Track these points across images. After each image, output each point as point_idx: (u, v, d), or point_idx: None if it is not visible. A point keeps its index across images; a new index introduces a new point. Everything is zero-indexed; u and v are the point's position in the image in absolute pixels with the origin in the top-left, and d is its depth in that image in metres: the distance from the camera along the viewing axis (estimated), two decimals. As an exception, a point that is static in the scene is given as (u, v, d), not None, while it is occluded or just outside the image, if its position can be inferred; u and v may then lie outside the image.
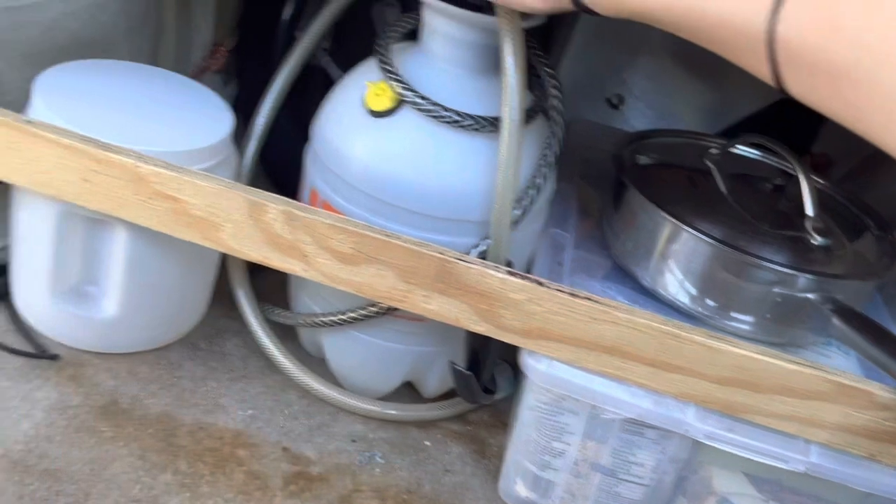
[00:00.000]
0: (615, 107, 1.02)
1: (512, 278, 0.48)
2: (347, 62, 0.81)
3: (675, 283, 0.60)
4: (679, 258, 0.59)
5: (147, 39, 0.71)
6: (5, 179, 0.52)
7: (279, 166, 0.77)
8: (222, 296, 0.67)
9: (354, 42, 0.72)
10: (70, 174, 0.50)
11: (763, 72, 0.29)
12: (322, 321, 0.61)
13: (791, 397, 0.48)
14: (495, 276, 0.48)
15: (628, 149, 0.67)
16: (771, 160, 0.71)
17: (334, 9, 0.67)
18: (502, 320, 0.50)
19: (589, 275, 0.63)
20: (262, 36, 0.83)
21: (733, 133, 0.88)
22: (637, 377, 0.49)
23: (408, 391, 0.67)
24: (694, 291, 0.59)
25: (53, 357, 0.60)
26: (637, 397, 0.51)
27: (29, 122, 0.50)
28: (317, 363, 0.67)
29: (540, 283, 0.48)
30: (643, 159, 0.69)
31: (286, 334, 0.67)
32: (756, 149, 0.71)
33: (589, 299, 0.48)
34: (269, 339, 0.64)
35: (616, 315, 0.48)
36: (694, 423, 0.50)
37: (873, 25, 0.24)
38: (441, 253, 0.49)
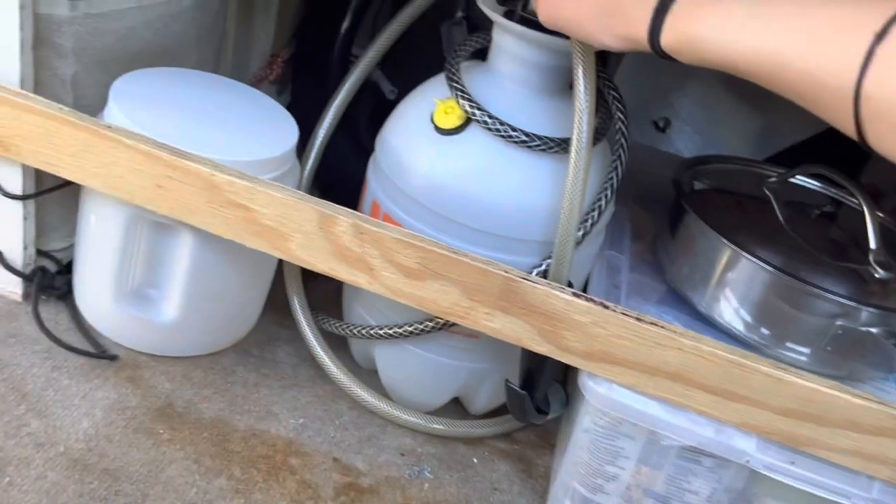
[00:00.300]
0: (661, 130, 1.02)
1: (577, 300, 0.48)
2: (397, 75, 0.82)
3: (732, 311, 0.59)
4: (738, 286, 0.59)
5: (212, 49, 0.72)
6: (80, 182, 0.53)
7: (325, 174, 0.77)
8: (273, 303, 0.68)
9: (405, 56, 0.72)
10: (144, 179, 0.51)
11: (846, 125, 0.30)
12: (377, 333, 0.61)
13: (856, 432, 0.47)
14: (561, 297, 0.48)
15: (686, 174, 0.67)
16: (823, 189, 0.71)
17: (395, 29, 0.68)
18: (565, 342, 0.50)
19: (644, 298, 0.63)
20: (318, 47, 0.84)
21: (778, 160, 0.88)
22: (699, 405, 0.49)
23: (453, 407, 0.67)
24: (751, 319, 0.58)
25: (113, 357, 0.61)
26: (698, 425, 0.50)
27: (108, 127, 0.51)
28: (366, 374, 0.68)
29: (605, 306, 0.48)
30: (698, 184, 0.69)
31: (336, 344, 0.67)
32: (815, 179, 0.70)
33: (654, 324, 0.48)
34: (322, 349, 0.65)
35: (682, 342, 0.48)
36: (755, 453, 0.50)
37: None
38: (507, 272, 0.49)
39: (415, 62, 0.74)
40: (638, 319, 0.48)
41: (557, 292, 0.49)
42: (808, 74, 0.30)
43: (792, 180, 0.71)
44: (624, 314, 0.48)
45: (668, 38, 0.38)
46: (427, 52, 0.75)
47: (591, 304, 0.48)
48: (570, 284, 0.53)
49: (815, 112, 0.31)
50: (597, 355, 0.49)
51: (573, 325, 0.49)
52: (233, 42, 0.80)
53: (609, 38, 0.42)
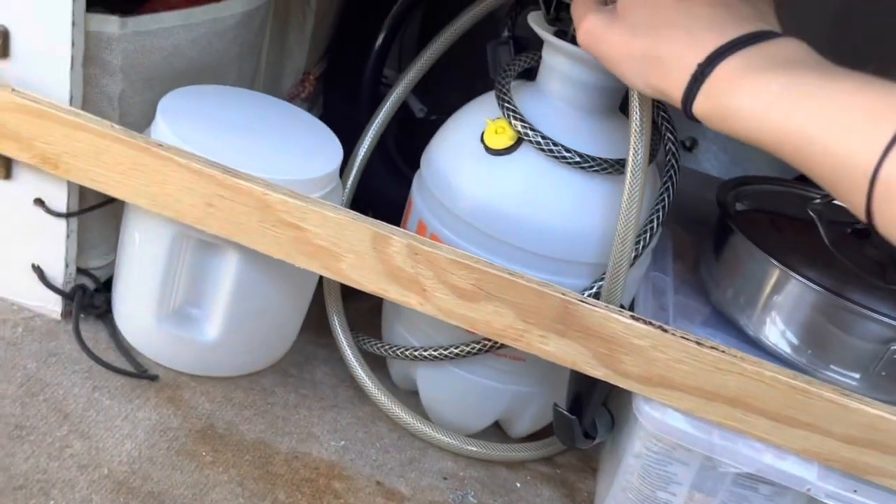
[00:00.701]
0: (689, 149, 1.02)
1: (637, 323, 0.48)
2: (425, 93, 0.82)
3: (779, 333, 0.59)
4: (787, 308, 0.58)
5: (251, 66, 0.72)
6: (128, 200, 0.53)
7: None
8: (308, 321, 0.67)
9: (433, 74, 0.72)
10: (195, 198, 0.51)
11: (856, 203, 0.31)
12: (421, 355, 0.60)
13: (922, 460, 0.46)
14: (620, 321, 0.48)
15: (730, 195, 0.67)
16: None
17: (436, 51, 0.67)
18: (622, 366, 0.49)
19: (689, 321, 0.62)
20: (350, 64, 0.84)
21: (805, 179, 0.88)
22: (759, 431, 0.48)
23: (492, 430, 0.66)
24: (799, 342, 0.58)
25: (153, 377, 0.60)
26: (757, 451, 0.49)
27: (160, 145, 0.50)
28: (404, 395, 0.67)
29: (664, 330, 0.48)
30: (740, 205, 0.69)
31: (374, 364, 0.67)
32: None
33: (715, 349, 0.47)
34: (362, 370, 0.64)
35: (743, 366, 0.47)
36: (817, 481, 0.49)
37: None
38: (564, 294, 0.48)
39: (442, 80, 0.74)
40: (698, 344, 0.47)
41: (616, 315, 0.48)
42: (831, 155, 0.32)
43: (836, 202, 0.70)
44: (684, 338, 0.47)
45: (700, 106, 0.39)
46: (455, 70, 0.75)
47: (650, 328, 0.48)
48: (622, 307, 0.52)
49: (830, 191, 0.34)
50: (654, 380, 0.49)
51: (631, 349, 0.48)
52: (267, 59, 0.80)
53: (642, 85, 0.43)
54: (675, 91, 0.40)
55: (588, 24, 0.45)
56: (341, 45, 0.87)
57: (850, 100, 0.32)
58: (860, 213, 0.32)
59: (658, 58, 0.41)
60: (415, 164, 0.83)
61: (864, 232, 0.68)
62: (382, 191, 0.79)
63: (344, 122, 0.83)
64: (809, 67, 0.36)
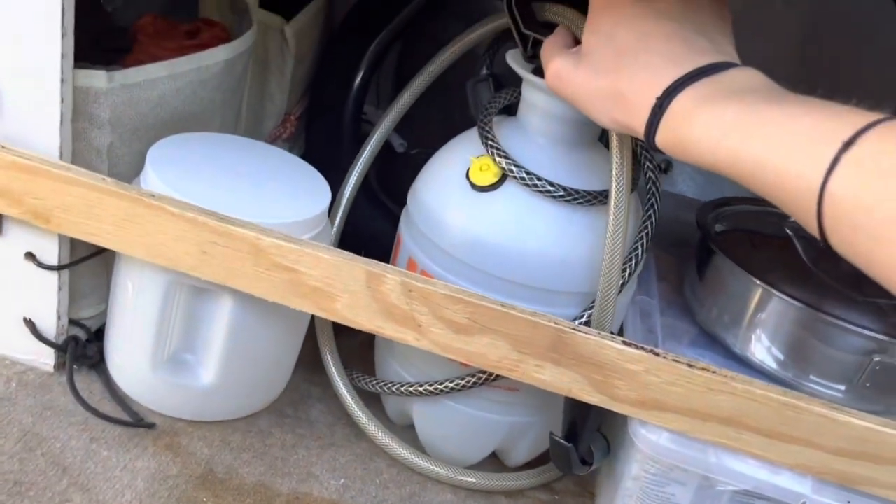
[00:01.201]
0: (664, 171, 1.04)
1: (629, 349, 0.49)
2: (405, 128, 0.83)
3: (765, 350, 0.60)
4: (771, 325, 0.60)
5: (234, 111, 0.73)
6: (122, 251, 0.53)
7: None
8: (302, 360, 0.68)
9: (412, 109, 0.74)
10: (189, 246, 0.51)
11: (810, 223, 0.33)
12: (416, 390, 0.61)
13: (911, 469, 0.48)
14: (613, 347, 0.49)
15: (710, 216, 0.69)
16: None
17: (416, 89, 0.69)
18: (617, 391, 0.50)
19: (677, 341, 0.64)
20: (331, 103, 0.86)
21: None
22: (753, 448, 0.49)
23: (489, 460, 0.67)
24: (785, 358, 0.59)
25: (150, 426, 0.60)
26: (753, 468, 0.51)
27: (152, 195, 0.51)
28: (400, 430, 0.67)
29: (656, 354, 0.49)
30: (719, 226, 0.70)
31: (369, 400, 0.67)
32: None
33: (706, 370, 0.48)
34: (358, 407, 0.64)
35: (734, 386, 0.48)
36: (811, 494, 0.50)
37: None
38: (557, 323, 0.50)
39: (421, 114, 0.76)
40: (690, 366, 0.49)
41: (609, 342, 0.49)
42: (782, 177, 0.33)
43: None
44: (675, 361, 0.49)
45: (661, 137, 0.41)
46: (434, 104, 0.76)
47: (642, 353, 0.49)
48: (612, 333, 0.53)
49: (787, 212, 0.35)
50: (649, 403, 0.50)
51: (625, 374, 0.49)
52: (248, 102, 0.81)
53: (609, 121, 0.45)
54: (638, 125, 0.42)
55: (555, 67, 0.47)
56: (321, 85, 0.88)
57: (796, 124, 0.34)
58: (815, 233, 0.33)
59: (621, 94, 0.43)
60: (397, 198, 0.84)
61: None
62: (366, 224, 0.80)
63: (326, 160, 0.84)
64: (760, 95, 0.38)
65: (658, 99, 0.40)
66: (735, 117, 0.36)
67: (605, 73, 0.43)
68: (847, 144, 0.31)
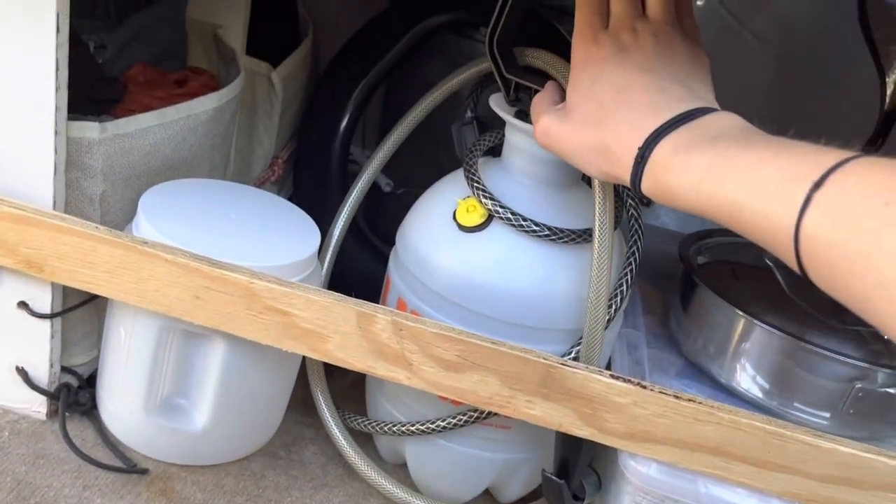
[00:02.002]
0: (646, 205, 1.06)
1: (617, 382, 0.50)
2: (392, 168, 0.85)
3: (750, 379, 0.61)
4: (755, 355, 0.61)
5: (222, 156, 0.74)
6: (116, 298, 0.54)
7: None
8: (294, 401, 0.68)
9: (399, 149, 0.75)
10: (182, 291, 0.52)
11: (790, 260, 0.34)
12: (408, 430, 0.61)
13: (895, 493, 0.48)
14: (600, 381, 0.50)
15: (692, 249, 0.70)
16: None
17: (402, 132, 0.71)
18: (606, 424, 0.51)
19: (664, 373, 0.65)
20: (318, 144, 0.87)
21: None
22: (741, 477, 0.50)
23: (482, 497, 0.67)
24: (770, 387, 0.60)
25: (143, 471, 0.60)
26: (742, 497, 0.51)
27: (144, 242, 0.52)
28: (392, 469, 0.68)
29: (643, 386, 0.50)
30: (701, 258, 0.72)
31: (361, 439, 0.67)
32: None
33: (692, 401, 0.50)
34: (350, 447, 0.65)
35: (720, 416, 0.49)
36: (800, 522, 0.51)
37: (883, 241, 0.29)
38: (546, 359, 0.51)
39: (407, 154, 0.77)
40: (676, 397, 0.50)
41: (597, 375, 0.50)
42: (759, 218, 0.35)
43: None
44: (662, 393, 0.50)
45: (646, 186, 0.42)
46: (419, 145, 0.78)
47: (629, 386, 0.50)
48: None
49: (765, 248, 0.36)
50: (638, 435, 0.51)
51: (613, 407, 0.50)
52: (236, 147, 0.82)
53: (597, 172, 0.47)
54: (624, 176, 0.44)
55: (543, 125, 0.49)
56: (308, 128, 0.90)
57: (768, 167, 0.35)
58: (796, 268, 0.34)
59: (606, 147, 0.45)
60: (385, 237, 0.86)
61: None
62: (355, 264, 0.81)
63: (314, 201, 0.86)
64: (734, 139, 0.39)
65: (639, 150, 0.42)
66: (710, 163, 0.38)
67: (590, 128, 0.45)
68: (817, 185, 0.32)
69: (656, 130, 0.42)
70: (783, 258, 0.35)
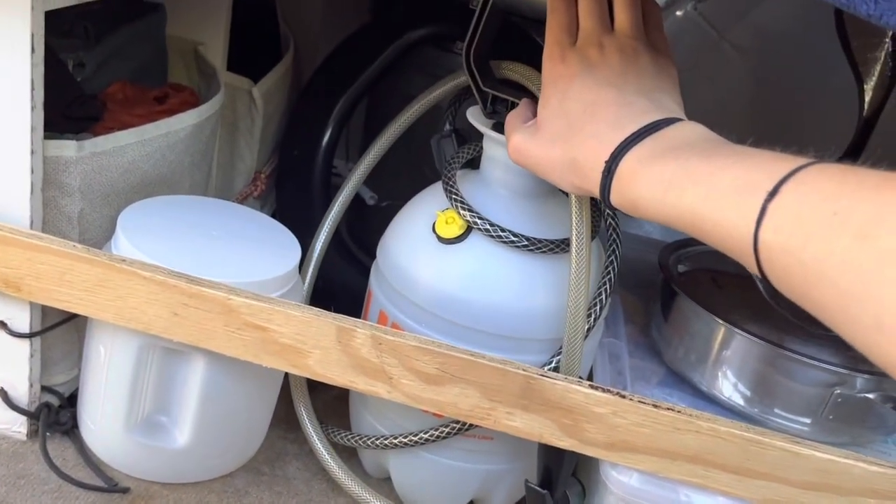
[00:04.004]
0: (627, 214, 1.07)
1: (596, 392, 0.50)
2: (374, 180, 0.85)
3: (731, 387, 0.62)
4: (735, 362, 0.61)
5: (203, 173, 0.74)
6: (94, 316, 0.54)
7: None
8: (277, 417, 0.68)
9: (381, 161, 0.75)
10: (160, 309, 0.52)
11: (752, 268, 0.35)
12: (391, 443, 0.61)
13: (874, 498, 0.49)
14: (579, 391, 0.50)
15: (671, 258, 0.71)
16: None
17: (383, 145, 0.71)
18: (587, 434, 0.51)
19: (646, 382, 0.65)
20: (301, 159, 0.87)
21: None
22: (721, 485, 0.50)
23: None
24: (751, 394, 0.61)
25: (125, 490, 0.60)
26: (722, 505, 0.51)
27: (123, 260, 0.52)
28: (376, 483, 0.67)
29: (622, 396, 0.50)
30: (681, 267, 0.72)
31: (345, 454, 0.67)
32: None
33: (671, 409, 0.50)
34: (335, 462, 0.64)
35: (699, 424, 0.49)
36: (781, 528, 0.51)
37: (833, 249, 0.30)
38: (525, 370, 0.51)
39: (390, 167, 0.77)
40: (655, 406, 0.50)
41: (576, 386, 0.50)
42: (718, 228, 0.36)
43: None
44: (641, 402, 0.50)
45: (615, 198, 0.43)
46: (401, 157, 0.78)
47: (608, 395, 0.50)
48: (580, 378, 0.55)
49: (730, 255, 0.37)
50: (618, 445, 0.51)
51: (593, 417, 0.50)
52: (218, 163, 0.82)
53: (568, 186, 0.48)
54: (594, 189, 0.45)
55: (515, 142, 0.49)
56: (290, 142, 0.90)
57: (725, 176, 0.36)
58: (758, 274, 0.35)
59: (575, 161, 0.45)
60: (368, 250, 0.86)
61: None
62: (338, 277, 0.81)
63: (298, 215, 0.86)
64: (695, 148, 0.40)
65: (606, 163, 0.43)
66: (673, 173, 0.39)
67: (559, 143, 0.46)
68: (771, 195, 0.33)
69: (622, 143, 0.42)
70: (746, 266, 0.35)
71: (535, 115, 0.51)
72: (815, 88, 0.94)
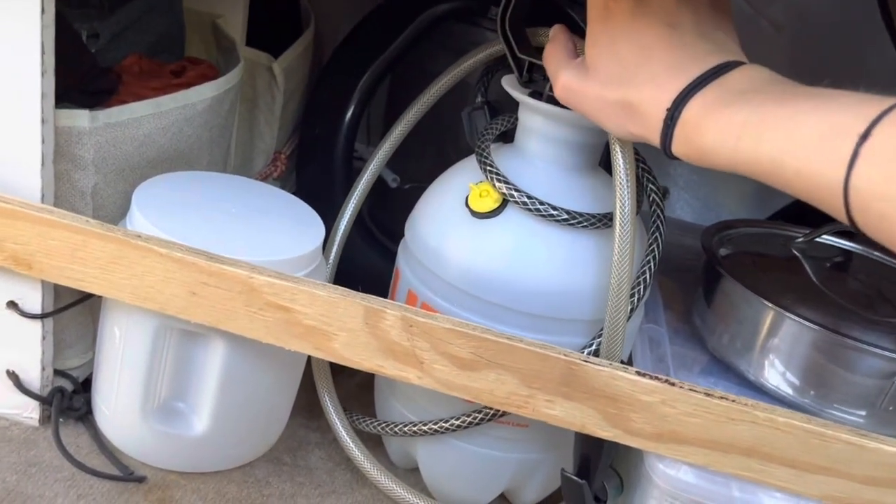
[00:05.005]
0: (663, 197, 1.03)
1: (643, 379, 0.47)
2: (399, 164, 0.82)
3: (780, 376, 0.58)
4: (785, 349, 0.57)
5: (222, 149, 0.71)
6: (108, 295, 0.51)
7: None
8: (298, 404, 0.65)
9: (407, 145, 0.72)
10: (177, 287, 0.49)
11: (839, 216, 0.33)
12: (420, 430, 0.58)
13: (946, 495, 0.45)
14: (626, 378, 0.47)
15: (714, 240, 0.67)
16: (835, 242, 0.71)
17: (407, 124, 0.68)
18: (631, 424, 0.48)
19: (688, 370, 0.61)
20: (322, 139, 0.84)
21: (776, 219, 0.90)
22: (777, 480, 0.47)
23: (497, 501, 0.64)
24: (802, 383, 0.57)
25: (141, 479, 0.57)
26: (778, 501, 0.48)
27: (138, 236, 0.49)
28: (403, 473, 0.64)
29: (672, 384, 0.47)
30: (724, 250, 0.69)
31: (370, 443, 0.64)
32: (840, 237, 0.71)
33: (724, 398, 0.46)
34: (360, 451, 0.61)
35: (755, 414, 0.46)
36: (842, 527, 0.47)
37: None
38: (566, 355, 0.47)
39: (413, 149, 0.74)
40: (707, 395, 0.46)
41: (622, 373, 0.47)
42: (803, 175, 0.33)
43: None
44: (692, 390, 0.46)
45: (678, 148, 0.40)
46: (425, 139, 0.75)
47: (657, 383, 0.47)
48: (623, 362, 0.51)
49: (811, 202, 0.34)
50: (666, 436, 0.47)
51: (640, 406, 0.47)
52: (237, 141, 0.79)
53: (624, 133, 0.44)
54: (653, 137, 0.41)
55: (563, 80, 0.46)
56: (311, 122, 0.87)
57: (808, 120, 0.33)
58: (844, 221, 0.33)
59: (632, 106, 0.42)
60: (390, 233, 0.82)
61: (844, 265, 0.69)
62: (360, 260, 0.78)
63: (318, 198, 0.83)
64: (768, 93, 0.37)
65: (668, 111, 0.39)
66: (745, 120, 0.36)
67: (615, 86, 0.42)
68: (863, 137, 0.30)
69: (684, 90, 0.39)
70: (832, 213, 0.33)
71: (576, 52, 0.47)
72: (854, 66, 0.90)
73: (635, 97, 0.41)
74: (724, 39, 0.42)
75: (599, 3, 0.44)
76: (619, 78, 0.42)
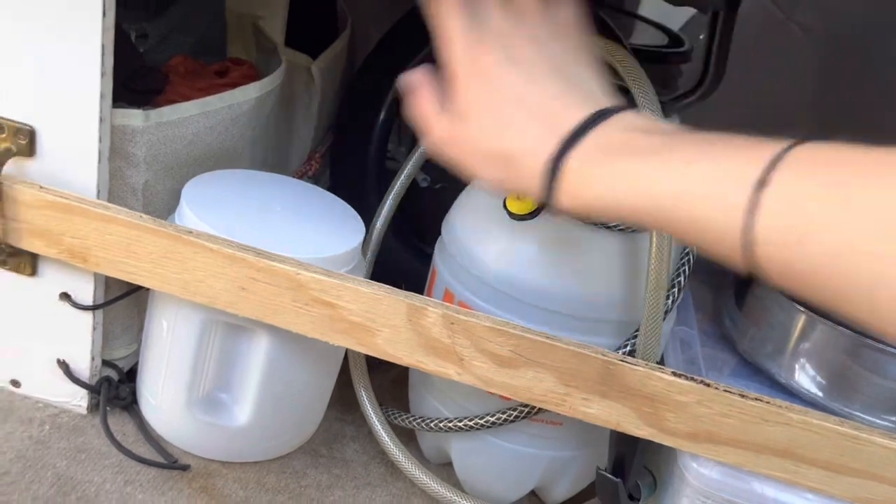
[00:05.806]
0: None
1: (679, 380, 0.48)
2: (430, 164, 0.83)
3: (811, 380, 0.59)
4: (816, 353, 0.58)
5: (263, 148, 0.73)
6: (159, 289, 0.53)
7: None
8: (334, 398, 0.66)
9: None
10: (227, 282, 0.51)
11: (737, 263, 0.31)
12: (455, 426, 0.60)
13: (978, 500, 0.46)
14: (662, 378, 0.48)
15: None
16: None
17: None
18: (666, 423, 0.49)
19: (718, 372, 0.62)
20: (355, 140, 0.86)
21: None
22: (810, 481, 0.48)
23: (527, 498, 0.65)
24: (832, 387, 0.58)
25: (185, 468, 0.59)
26: (810, 502, 0.49)
27: (189, 232, 0.51)
28: (436, 468, 0.66)
29: (707, 384, 0.48)
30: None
31: (404, 437, 0.65)
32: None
33: (759, 400, 0.47)
34: (395, 445, 0.63)
35: (789, 416, 0.47)
36: (874, 529, 0.48)
37: (840, 237, 0.27)
38: (604, 355, 0.48)
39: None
40: (742, 396, 0.47)
41: (658, 373, 0.48)
42: (699, 223, 0.32)
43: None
44: (727, 391, 0.47)
45: (564, 200, 0.37)
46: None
47: (692, 384, 0.48)
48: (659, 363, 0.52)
49: (707, 253, 0.33)
50: (701, 436, 0.48)
51: (675, 405, 0.48)
52: (275, 140, 0.81)
53: (499, 186, 0.41)
54: (533, 190, 0.39)
55: (439, 133, 0.42)
56: (344, 123, 0.88)
57: (699, 168, 0.32)
58: (741, 269, 0.31)
59: (508, 158, 0.39)
60: (420, 233, 0.84)
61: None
62: (391, 259, 0.79)
63: (351, 198, 0.84)
64: (653, 141, 0.35)
65: (546, 164, 0.37)
66: (633, 170, 0.34)
67: (488, 136, 0.40)
68: (761, 184, 0.29)
69: (564, 142, 0.37)
70: (727, 261, 0.32)
71: (441, 97, 0.42)
72: (884, 70, 0.90)
73: (511, 149, 0.39)
74: (596, 86, 0.41)
75: (464, 48, 0.41)
76: (492, 128, 0.39)
